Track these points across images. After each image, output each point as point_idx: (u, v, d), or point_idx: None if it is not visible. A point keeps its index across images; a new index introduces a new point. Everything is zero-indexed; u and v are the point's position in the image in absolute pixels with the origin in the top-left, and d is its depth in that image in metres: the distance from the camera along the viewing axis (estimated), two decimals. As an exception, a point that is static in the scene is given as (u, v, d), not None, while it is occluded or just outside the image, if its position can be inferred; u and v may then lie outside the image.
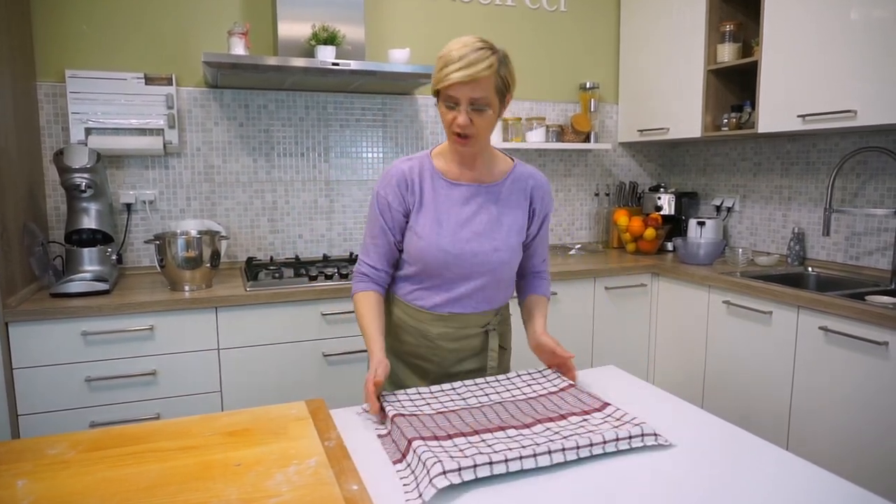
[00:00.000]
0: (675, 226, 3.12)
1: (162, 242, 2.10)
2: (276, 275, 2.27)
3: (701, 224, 2.96)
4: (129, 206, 2.49)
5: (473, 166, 1.40)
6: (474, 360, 1.48)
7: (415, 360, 1.48)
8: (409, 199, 1.38)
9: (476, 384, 1.33)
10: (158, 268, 2.15)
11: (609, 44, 3.27)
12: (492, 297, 1.45)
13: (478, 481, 0.94)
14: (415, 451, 0.99)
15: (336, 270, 2.35)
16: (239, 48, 2.30)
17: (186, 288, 2.13)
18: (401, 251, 1.44)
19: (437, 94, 1.31)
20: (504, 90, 1.30)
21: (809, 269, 2.57)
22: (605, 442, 1.03)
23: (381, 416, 1.19)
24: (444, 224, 1.36)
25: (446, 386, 1.31)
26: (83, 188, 2.11)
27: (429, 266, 1.38)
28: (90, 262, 2.15)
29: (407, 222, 1.39)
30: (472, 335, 1.46)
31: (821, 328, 2.00)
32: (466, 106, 1.25)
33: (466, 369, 1.48)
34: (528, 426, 1.10)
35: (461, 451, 0.98)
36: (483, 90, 1.24)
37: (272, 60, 2.20)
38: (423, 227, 1.36)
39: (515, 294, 1.59)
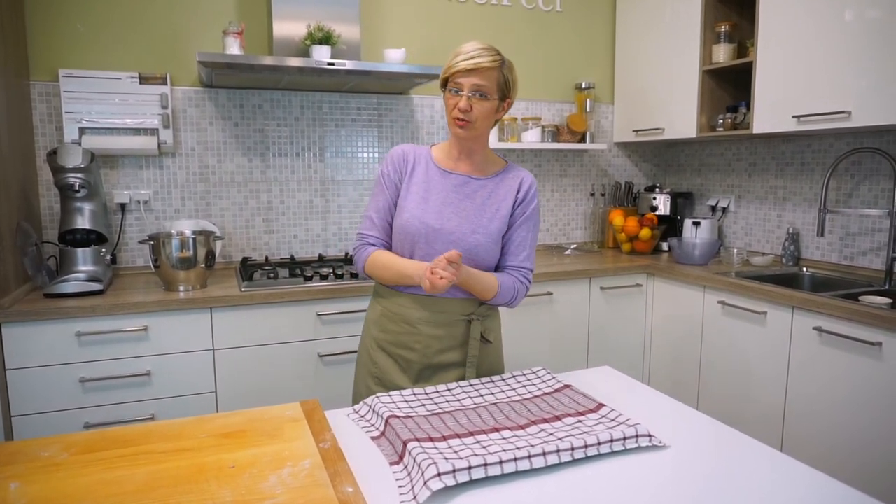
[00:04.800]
0: (670, 226, 3.12)
1: (156, 243, 2.09)
2: (272, 275, 2.27)
3: (696, 224, 2.97)
4: (123, 206, 2.48)
5: (468, 161, 1.50)
6: (457, 351, 1.48)
7: (398, 349, 1.49)
8: (403, 170, 1.50)
9: (471, 385, 1.33)
10: (153, 268, 2.14)
11: (605, 44, 3.27)
12: None
13: (473, 483, 0.94)
14: (410, 453, 0.99)
15: (331, 271, 2.34)
16: (234, 48, 2.29)
17: (181, 288, 2.12)
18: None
19: (444, 86, 1.44)
20: (505, 90, 1.44)
21: (804, 269, 2.58)
22: (599, 443, 1.03)
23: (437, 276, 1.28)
24: (431, 202, 1.46)
25: (441, 387, 1.32)
26: (77, 188, 2.10)
27: (409, 239, 1.44)
28: (84, 262, 2.14)
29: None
30: (453, 322, 1.47)
31: (815, 328, 2.01)
32: (468, 92, 1.38)
33: (449, 361, 1.48)
34: (522, 427, 1.10)
35: (456, 452, 0.98)
36: (485, 79, 1.38)
37: (267, 60, 2.20)
38: (409, 202, 1.46)
39: None
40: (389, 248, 1.52)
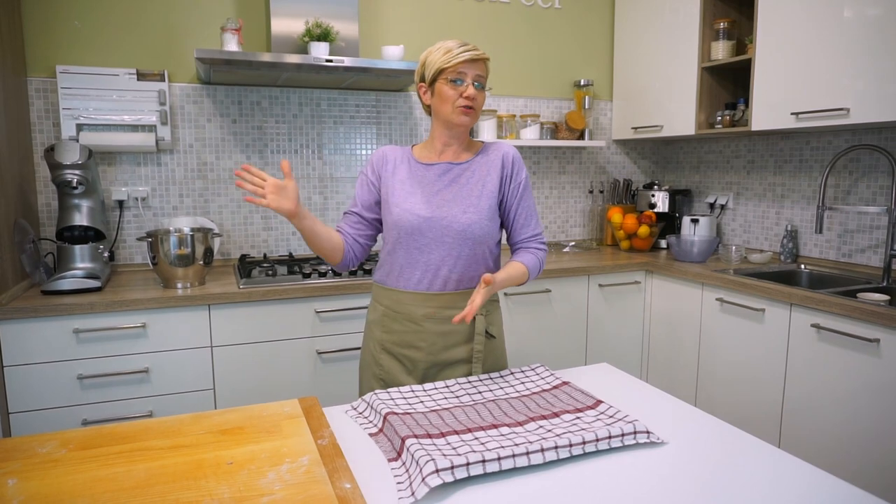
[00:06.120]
0: (668, 223, 3.12)
1: (154, 240, 2.09)
2: (270, 272, 2.26)
3: (694, 221, 2.97)
4: (121, 203, 2.48)
5: (450, 151, 1.53)
6: (462, 347, 1.49)
7: (402, 349, 1.49)
8: (382, 172, 1.54)
9: (469, 381, 1.33)
10: (151, 265, 2.14)
11: (603, 41, 3.27)
12: (472, 273, 1.49)
13: (470, 479, 0.94)
14: (408, 450, 0.99)
15: (330, 268, 2.34)
16: (232, 44, 2.28)
17: (179, 285, 2.12)
18: (379, 231, 1.58)
19: (433, 80, 1.46)
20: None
21: (802, 266, 2.58)
22: (597, 440, 1.03)
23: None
24: (418, 194, 1.49)
25: (439, 384, 1.32)
26: (74, 185, 2.10)
27: (403, 232, 1.46)
28: (82, 259, 2.14)
29: (378, 196, 1.54)
30: None
31: (813, 325, 2.01)
32: (471, 81, 1.43)
33: (455, 358, 1.49)
34: (521, 424, 1.10)
35: (454, 449, 0.98)
36: (483, 70, 1.46)
37: (265, 57, 2.19)
38: (397, 198, 1.49)
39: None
40: (360, 241, 1.54)
